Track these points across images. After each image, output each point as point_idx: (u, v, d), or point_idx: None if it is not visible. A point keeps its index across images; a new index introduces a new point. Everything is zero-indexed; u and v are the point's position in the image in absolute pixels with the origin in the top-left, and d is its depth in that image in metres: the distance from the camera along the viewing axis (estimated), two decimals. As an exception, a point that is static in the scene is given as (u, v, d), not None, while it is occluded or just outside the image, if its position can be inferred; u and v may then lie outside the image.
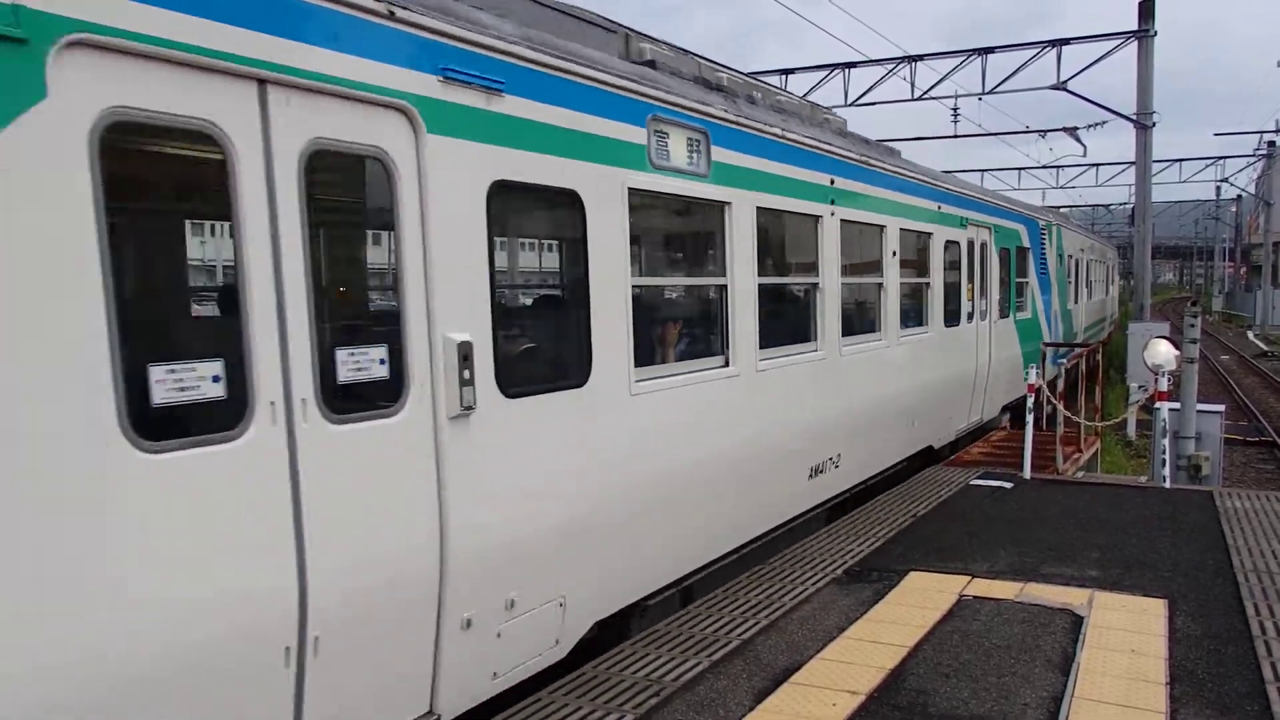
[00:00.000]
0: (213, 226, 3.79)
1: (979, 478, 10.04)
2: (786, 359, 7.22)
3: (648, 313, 5.66)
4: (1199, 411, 11.69)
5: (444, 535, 4.16)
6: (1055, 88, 21.30)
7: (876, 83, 23.74)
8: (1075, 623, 5.72)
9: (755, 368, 6.73)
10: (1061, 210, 44.23)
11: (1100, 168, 46.39)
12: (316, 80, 3.56)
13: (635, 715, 4.59)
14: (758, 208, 6.70)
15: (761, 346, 6.78)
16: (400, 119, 3.96)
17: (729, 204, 6.35)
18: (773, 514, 7.25)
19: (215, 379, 3.28)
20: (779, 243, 7.44)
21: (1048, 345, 15.43)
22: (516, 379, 4.57)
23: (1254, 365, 33.45)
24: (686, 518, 6.01)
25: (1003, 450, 12.10)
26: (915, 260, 10.02)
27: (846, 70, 23.67)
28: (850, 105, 23.54)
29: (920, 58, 23.09)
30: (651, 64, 6.03)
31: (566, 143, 4.89)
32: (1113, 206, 66.00)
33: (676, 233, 6.36)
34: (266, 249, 3.44)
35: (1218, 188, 65.42)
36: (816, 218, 7.65)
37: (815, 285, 7.76)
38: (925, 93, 23.56)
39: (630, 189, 5.38)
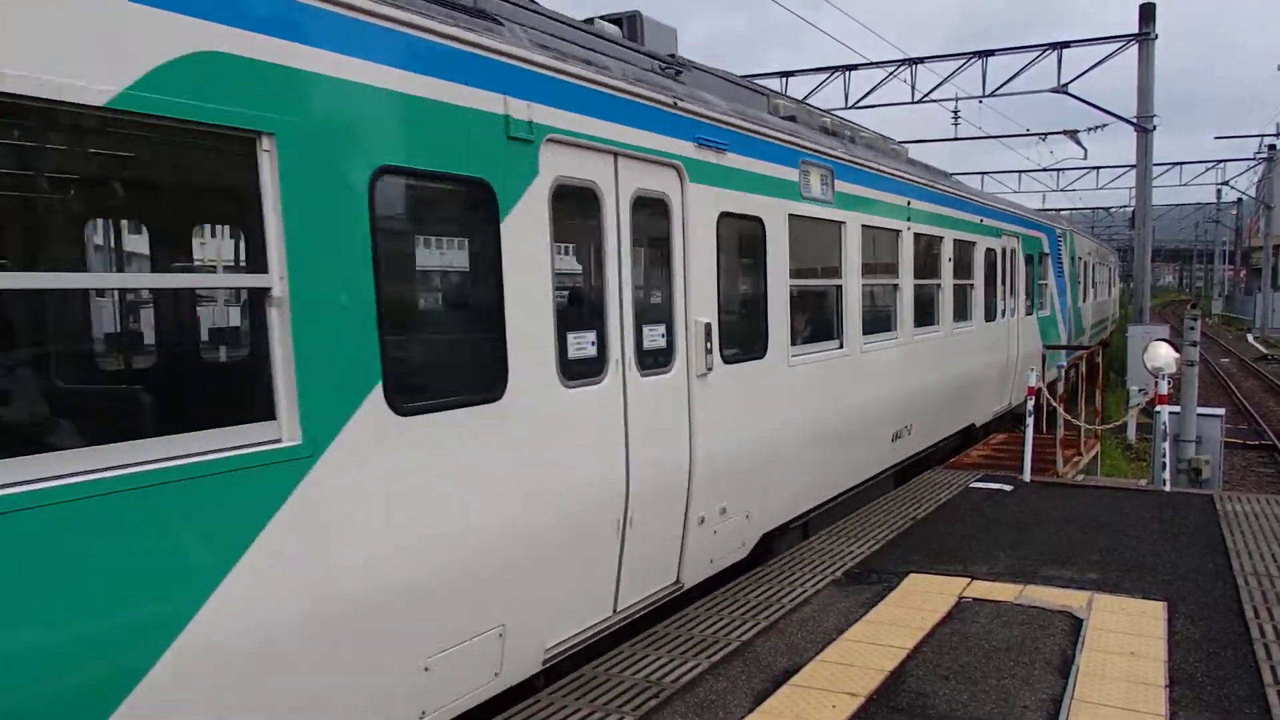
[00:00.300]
0: (591, 248, 5.33)
1: (979, 480, 10.04)
2: (878, 344, 9.02)
3: (795, 305, 7.40)
4: (1199, 415, 11.69)
5: (691, 456, 5.95)
6: (1056, 91, 21.32)
7: (877, 85, 23.77)
8: (1075, 625, 5.72)
9: (860, 349, 8.58)
10: (1062, 213, 44.27)
11: (1101, 171, 46.49)
12: (638, 151, 5.45)
13: (635, 716, 4.59)
14: (862, 225, 8.54)
15: (863, 334, 8.62)
16: (674, 173, 5.82)
17: (844, 223, 8.21)
18: (869, 467, 9.04)
19: (593, 344, 5.15)
20: (873, 252, 9.01)
21: (1048, 348, 15.44)
22: (731, 351, 6.40)
23: (1254, 368, 33.47)
24: (817, 462, 7.84)
25: (1002, 453, 12.10)
26: (964, 265, 11.70)
27: (847, 73, 23.69)
28: (850, 108, 23.54)
29: (921, 60, 23.11)
30: (793, 119, 8.08)
31: (756, 183, 6.74)
32: (1113, 209, 66.04)
33: (811, 246, 7.83)
34: (614, 261, 5.28)
35: (1218, 191, 65.53)
36: (898, 232, 9.46)
37: (896, 286, 9.56)
38: (925, 95, 23.59)
39: (789, 215, 7.19)
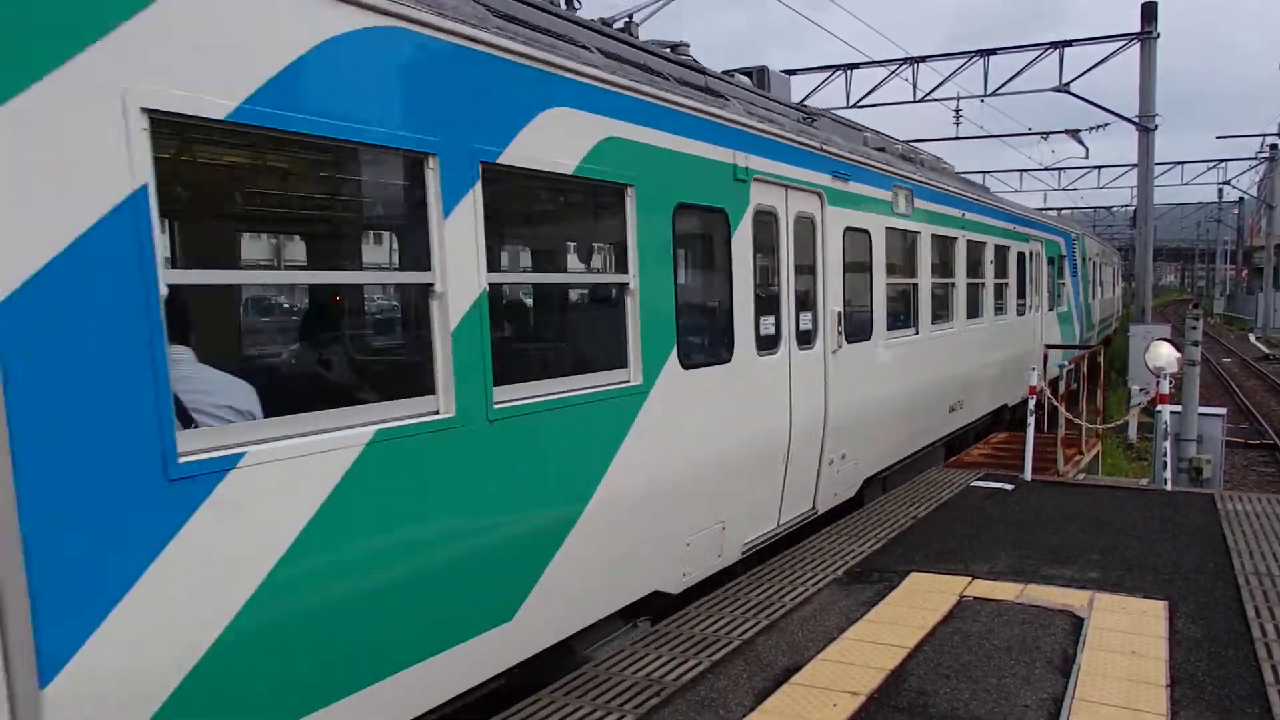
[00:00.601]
0: (771, 255, 7.16)
1: (979, 479, 10.04)
2: (940, 332, 10.96)
3: (888, 299, 9.32)
4: (1201, 414, 11.69)
5: (826, 412, 7.87)
6: (1058, 90, 21.28)
7: (879, 84, 23.73)
8: (1075, 624, 5.73)
9: (929, 336, 10.55)
10: (1063, 213, 44.21)
11: (1102, 170, 46.36)
12: (800, 185, 7.43)
13: (636, 715, 4.60)
14: (931, 235, 10.52)
15: (931, 323, 10.60)
16: (817, 198, 7.75)
17: (919, 233, 10.18)
18: (933, 433, 11.02)
19: (773, 325, 7.05)
20: (938, 256, 10.91)
21: (1049, 347, 15.48)
22: (853, 333, 8.38)
23: (1255, 368, 33.45)
24: (900, 425, 9.77)
25: (1003, 452, 12.10)
26: (1001, 266, 13.74)
27: (848, 71, 23.65)
28: (852, 107, 23.49)
29: (923, 59, 23.08)
30: (882, 149, 9.95)
31: (866, 204, 8.73)
32: (1114, 209, 65.95)
33: (898, 252, 9.70)
34: (784, 264, 7.21)
35: (1220, 190, 65.35)
36: (954, 239, 11.40)
37: (952, 284, 11.49)
38: (927, 94, 23.55)
39: (886, 227, 9.17)
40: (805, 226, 7.58)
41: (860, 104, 23.69)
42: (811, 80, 24.11)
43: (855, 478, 8.69)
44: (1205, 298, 78.07)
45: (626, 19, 7.51)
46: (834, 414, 7.98)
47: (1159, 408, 10.85)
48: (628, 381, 5.46)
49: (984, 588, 6.42)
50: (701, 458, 6.18)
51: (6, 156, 2.75)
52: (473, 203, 4.36)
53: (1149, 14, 20.55)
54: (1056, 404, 11.35)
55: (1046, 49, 21.42)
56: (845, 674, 5.03)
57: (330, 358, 5.19)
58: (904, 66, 23.09)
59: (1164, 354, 10.86)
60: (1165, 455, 10.23)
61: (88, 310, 2.94)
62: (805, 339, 7.56)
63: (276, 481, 3.51)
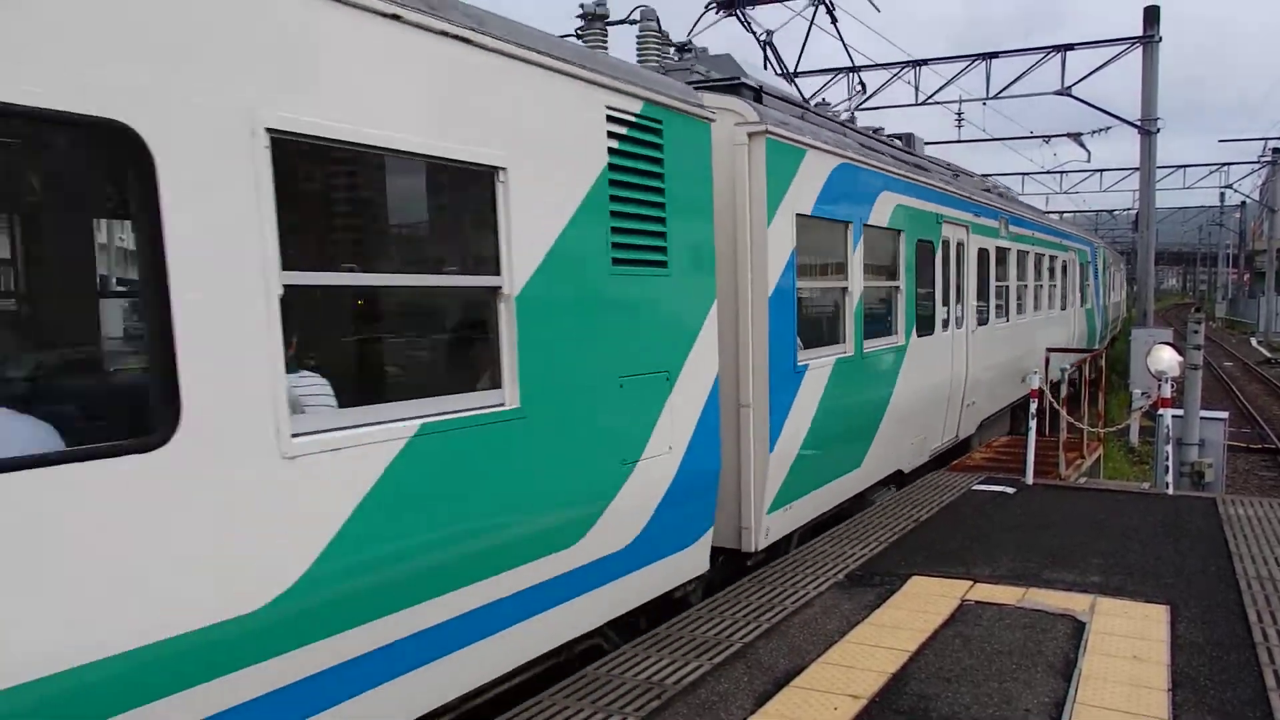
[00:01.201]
0: (953, 270, 11.18)
1: (981, 482, 10.03)
2: (1022, 319, 15.15)
3: (996, 295, 13.33)
4: (1203, 418, 11.67)
5: (967, 371, 11.68)
6: (1060, 93, 21.29)
7: (881, 87, 23.75)
8: (1077, 628, 5.71)
9: (1015, 323, 14.58)
10: (1065, 216, 44.16)
11: (1104, 173, 46.34)
12: (958, 222, 11.24)
13: (637, 718, 4.59)
14: (1017, 250, 14.44)
15: (1018, 313, 14.88)
16: (964, 230, 11.49)
17: (1010, 249, 13.94)
18: (1011, 397, 14.36)
19: (947, 313, 10.94)
20: (1019, 265, 14.84)
21: (1051, 350, 15.48)
22: (979, 321, 12.23)
23: (1257, 372, 33.41)
24: (998, 384, 13.48)
25: (1005, 455, 12.08)
26: (1054, 271, 18.20)
27: (851, 74, 23.66)
28: (855, 109, 23.50)
29: (925, 62, 23.10)
30: (988, 190, 14.02)
31: (986, 231, 12.57)
32: (1116, 212, 65.92)
33: (1001, 264, 13.61)
34: (959, 276, 11.42)
35: (1222, 194, 65.21)
36: (1026, 252, 15.21)
37: (1027, 285, 15.57)
38: (929, 97, 23.57)
39: (996, 247, 13.02)
40: (958, 249, 11.20)
41: (862, 106, 23.70)
42: (815, 82, 24.16)
43: (976, 418, 12.51)
44: (1207, 301, 77.97)
45: (874, 129, 11.23)
46: (971, 374, 11.83)
47: (1161, 411, 10.82)
48: (900, 341, 9.40)
49: (985, 591, 6.41)
50: (921, 392, 10.00)
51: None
52: (857, 245, 8.31)
53: (1151, 17, 20.55)
54: (1058, 407, 11.34)
55: (1049, 53, 21.44)
56: (846, 677, 5.02)
57: None
58: (906, 69, 23.11)
59: (1166, 358, 10.84)
60: (1167, 459, 10.21)
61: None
62: (959, 323, 11.35)
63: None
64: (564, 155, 4.81)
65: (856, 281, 8.26)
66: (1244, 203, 65.62)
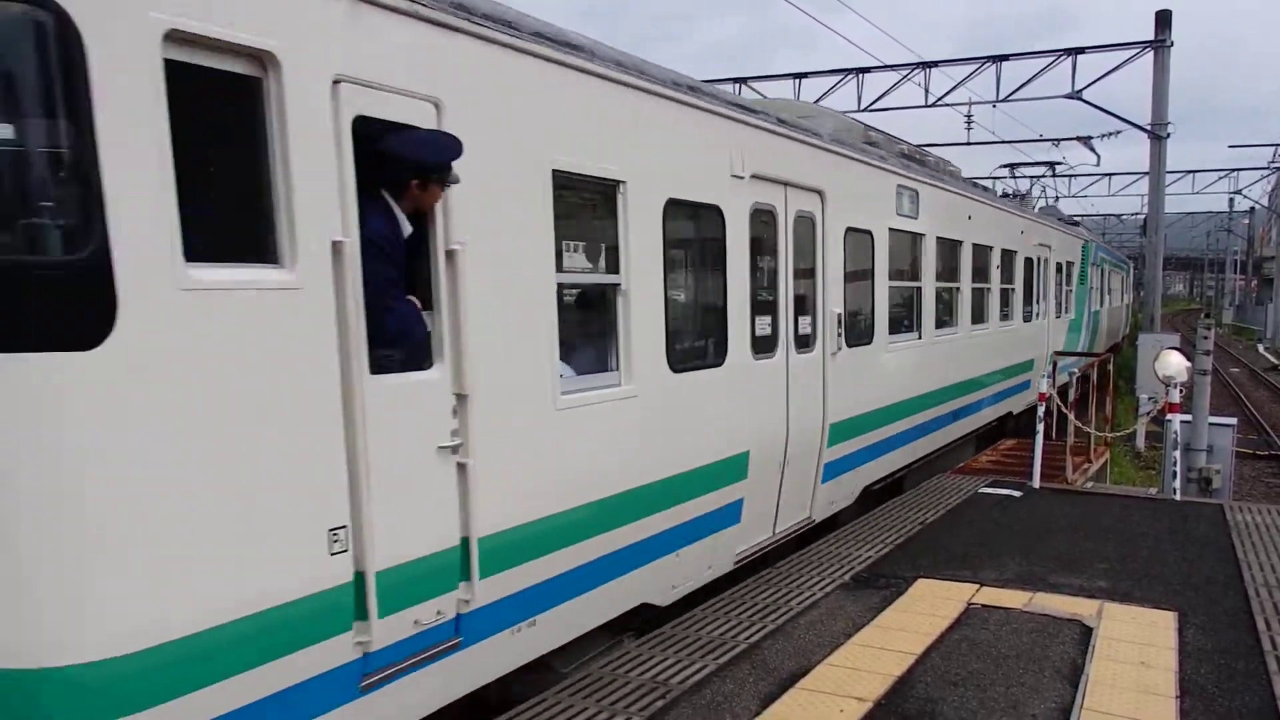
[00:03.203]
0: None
1: (988, 486, 10.00)
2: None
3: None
4: (1211, 424, 11.62)
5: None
6: (1070, 96, 21.19)
7: (890, 88, 23.66)
8: (1084, 634, 5.69)
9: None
10: (1074, 218, 43.96)
11: (1113, 177, 46.14)
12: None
13: (642, 717, 4.58)
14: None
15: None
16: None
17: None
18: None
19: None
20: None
21: (1059, 354, 15.44)
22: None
23: (1265, 379, 33.31)
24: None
25: (1011, 459, 12.05)
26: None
27: (860, 75, 23.59)
28: (863, 111, 23.43)
29: (934, 64, 22.99)
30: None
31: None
32: (1124, 216, 65.71)
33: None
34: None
35: (1230, 200, 64.88)
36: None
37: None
38: (939, 99, 23.45)
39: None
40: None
41: (871, 108, 23.64)
42: (823, 84, 24.07)
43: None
44: (1215, 307, 77.74)
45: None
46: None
47: (1169, 417, 10.78)
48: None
49: (992, 595, 6.39)
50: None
51: None
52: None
53: (1163, 21, 20.44)
54: (1066, 411, 11.31)
55: (1059, 55, 21.32)
56: (852, 680, 5.00)
57: None
58: (916, 71, 23.02)
59: (1174, 363, 10.80)
60: (1175, 465, 10.17)
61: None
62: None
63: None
64: None
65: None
66: (1253, 208, 65.36)
